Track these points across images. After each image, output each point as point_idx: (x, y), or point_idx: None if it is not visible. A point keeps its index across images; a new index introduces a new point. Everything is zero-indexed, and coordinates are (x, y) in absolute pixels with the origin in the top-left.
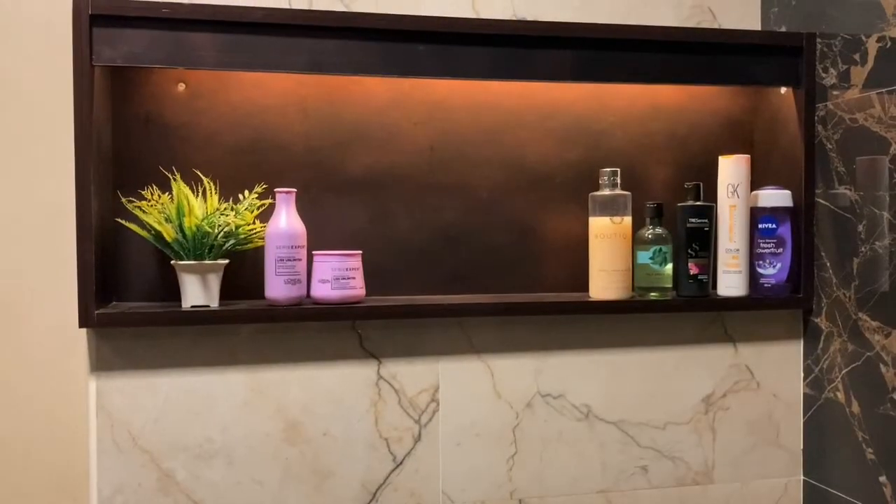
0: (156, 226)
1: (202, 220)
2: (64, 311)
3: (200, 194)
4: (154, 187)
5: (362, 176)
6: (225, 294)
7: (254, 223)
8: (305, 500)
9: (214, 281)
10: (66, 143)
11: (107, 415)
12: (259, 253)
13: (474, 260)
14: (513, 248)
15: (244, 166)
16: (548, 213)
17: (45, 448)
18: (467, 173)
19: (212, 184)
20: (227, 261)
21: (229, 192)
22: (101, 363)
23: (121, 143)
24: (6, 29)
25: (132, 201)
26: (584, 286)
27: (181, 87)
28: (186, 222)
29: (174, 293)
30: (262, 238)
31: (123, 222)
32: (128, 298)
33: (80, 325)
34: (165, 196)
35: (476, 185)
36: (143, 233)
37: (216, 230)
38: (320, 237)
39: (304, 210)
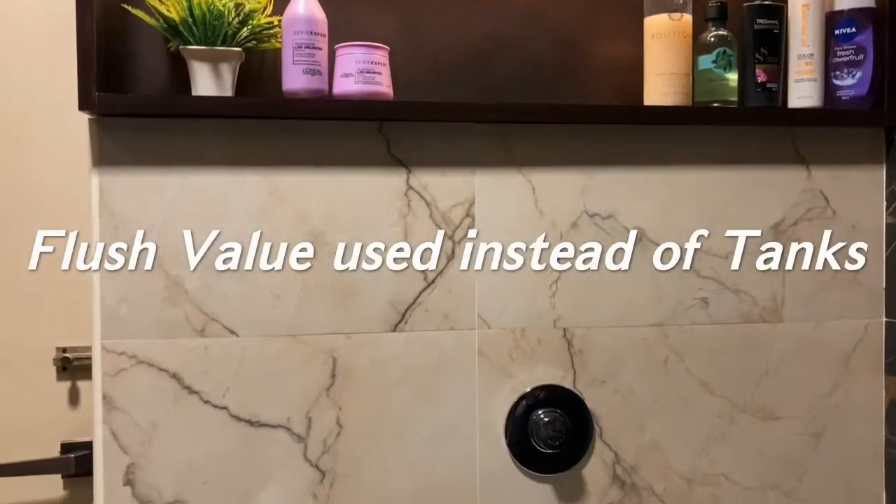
0: (161, 9)
1: None
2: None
3: None
4: None
5: None
6: None
7: (272, 18)
8: (327, 318)
9: (227, 72)
10: None
11: (110, 214)
12: (278, 60)
13: (512, 75)
14: (556, 60)
15: None
16: (596, 20)
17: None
18: None
19: None
20: (241, 50)
21: None
22: (104, 157)
23: None
24: None
25: None
26: (639, 103)
27: None
28: None
29: (188, 93)
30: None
31: (129, 8)
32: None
33: (80, 108)
34: None
35: None
36: (151, 20)
37: (229, 14)
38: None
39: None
